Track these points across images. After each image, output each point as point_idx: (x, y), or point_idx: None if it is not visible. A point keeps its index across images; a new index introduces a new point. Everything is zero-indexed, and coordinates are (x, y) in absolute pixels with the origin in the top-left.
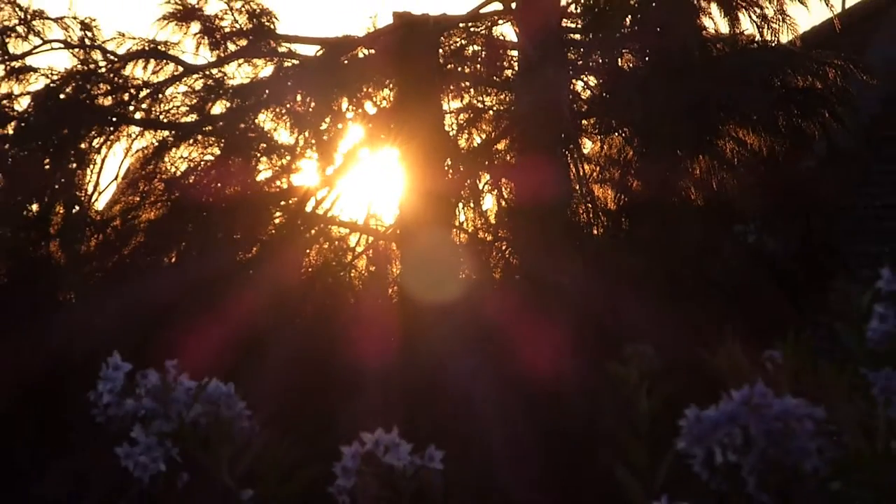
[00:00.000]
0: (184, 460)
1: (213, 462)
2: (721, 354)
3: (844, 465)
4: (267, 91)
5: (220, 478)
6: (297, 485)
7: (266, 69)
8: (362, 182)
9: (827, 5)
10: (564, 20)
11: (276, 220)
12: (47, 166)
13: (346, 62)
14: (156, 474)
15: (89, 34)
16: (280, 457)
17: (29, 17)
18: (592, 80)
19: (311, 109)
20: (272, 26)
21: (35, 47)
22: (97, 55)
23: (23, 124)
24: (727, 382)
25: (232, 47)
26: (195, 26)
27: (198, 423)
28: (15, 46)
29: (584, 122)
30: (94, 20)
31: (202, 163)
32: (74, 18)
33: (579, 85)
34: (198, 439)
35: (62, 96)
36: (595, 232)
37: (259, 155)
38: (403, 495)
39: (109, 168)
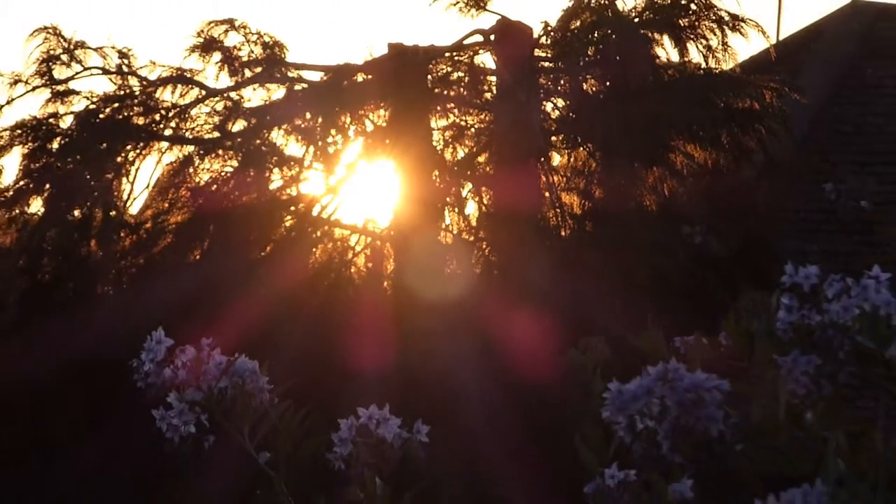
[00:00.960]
0: (211, 426)
1: (236, 428)
2: (644, 338)
3: (750, 430)
4: (279, 111)
5: (241, 442)
6: (307, 450)
7: (278, 92)
8: (361, 190)
9: (764, 36)
10: (536, 50)
11: (287, 223)
12: (88, 176)
13: (347, 86)
14: (185, 436)
15: (126, 62)
16: (294, 426)
17: (72, 46)
18: (560, 102)
19: (317, 127)
20: (283, 55)
21: (77, 73)
22: (132, 80)
23: (66, 140)
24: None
25: (248, 73)
26: (216, 56)
27: (225, 394)
28: (59, 72)
29: (552, 138)
30: (130, 50)
31: (222, 174)
32: (113, 48)
33: (549, 106)
34: (223, 408)
35: (101, 116)
36: (563, 233)
37: (272, 167)
38: (390, 462)
39: (142, 178)
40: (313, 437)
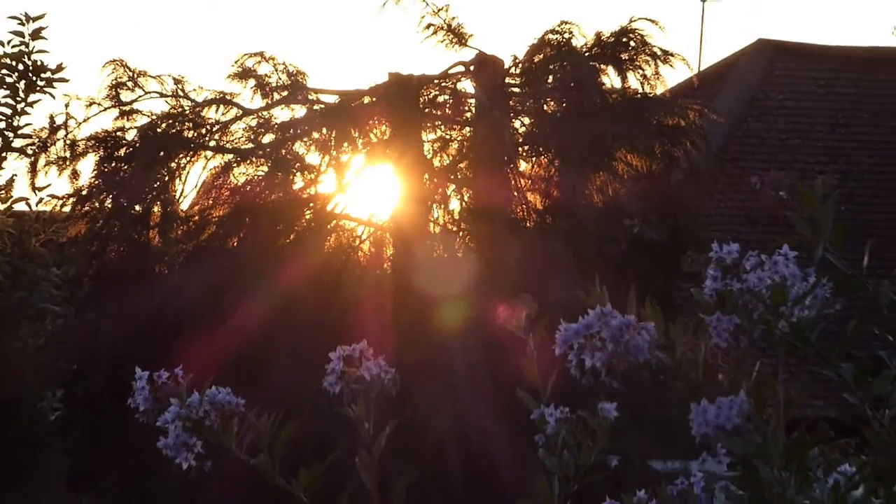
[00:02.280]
0: (207, 448)
1: (227, 442)
2: (591, 294)
3: (672, 368)
4: (300, 127)
5: (234, 452)
6: (280, 444)
7: (300, 111)
8: (366, 190)
9: (688, 67)
10: (507, 78)
11: (306, 217)
12: (148, 178)
13: (355, 107)
14: (188, 468)
15: (178, 86)
16: (265, 429)
17: (135, 75)
18: (526, 120)
19: (331, 139)
20: (304, 82)
21: (139, 96)
22: (183, 101)
23: (131, 149)
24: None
25: (276, 96)
26: (251, 82)
27: (209, 416)
28: (125, 96)
29: (520, 149)
30: (183, 77)
31: (255, 177)
32: (169, 76)
33: (517, 123)
34: (212, 429)
35: (158, 130)
36: (528, 225)
37: (295, 171)
38: (373, 389)
39: (191, 180)
40: (286, 427)
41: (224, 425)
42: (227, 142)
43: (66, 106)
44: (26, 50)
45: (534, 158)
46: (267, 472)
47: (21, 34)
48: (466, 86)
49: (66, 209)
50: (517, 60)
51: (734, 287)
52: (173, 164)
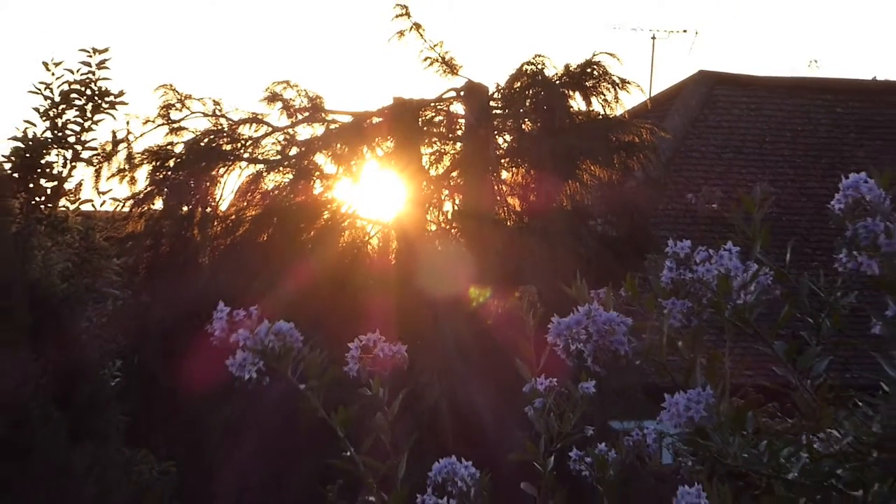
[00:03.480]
0: (267, 370)
1: (284, 367)
2: (574, 288)
3: (644, 350)
4: (320, 142)
5: (288, 378)
6: (327, 379)
7: (319, 129)
8: (374, 194)
9: (643, 93)
10: (491, 102)
11: (325, 217)
12: (192, 184)
13: (365, 125)
14: (248, 378)
15: (218, 107)
16: (316, 361)
17: (182, 98)
18: (507, 137)
19: (345, 152)
20: (322, 104)
21: (185, 116)
22: (222, 120)
23: (178, 160)
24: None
25: (299, 116)
26: (279, 104)
27: (273, 346)
28: (174, 115)
29: (502, 160)
30: (220, 100)
31: (282, 183)
32: (210, 99)
33: (500, 139)
34: (273, 356)
35: (202, 144)
36: (508, 224)
37: (315, 179)
38: (385, 369)
39: (228, 186)
40: (334, 366)
41: (283, 351)
42: (259, 154)
43: (127, 123)
44: (93, 78)
45: (513, 169)
46: (312, 400)
47: (89, 64)
48: (457, 108)
49: (125, 210)
50: (499, 87)
51: (687, 276)
52: (213, 173)
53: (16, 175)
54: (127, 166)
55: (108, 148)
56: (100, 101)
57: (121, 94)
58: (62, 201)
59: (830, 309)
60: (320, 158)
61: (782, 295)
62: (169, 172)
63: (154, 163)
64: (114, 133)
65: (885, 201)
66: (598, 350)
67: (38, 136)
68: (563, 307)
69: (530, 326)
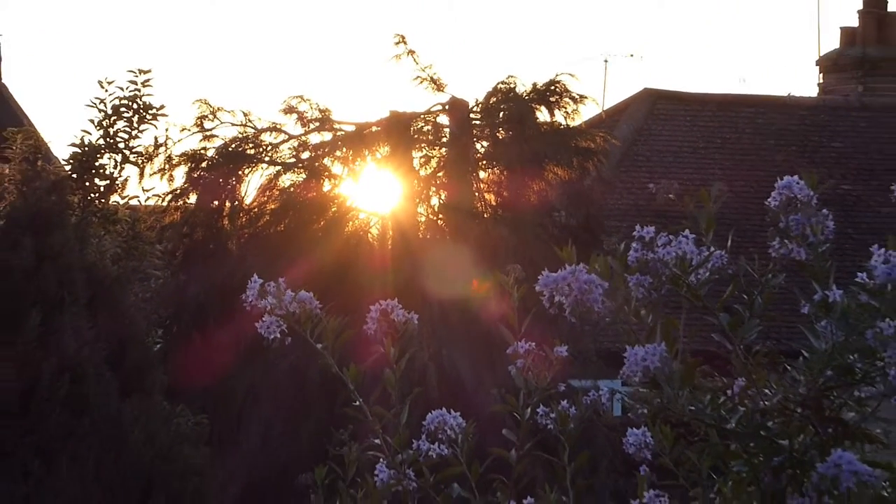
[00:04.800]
0: (289, 331)
1: (303, 330)
2: (564, 252)
3: (614, 310)
4: (328, 147)
5: (307, 339)
6: (341, 341)
7: (328, 136)
8: (374, 190)
9: (598, 106)
10: (471, 114)
11: (332, 210)
12: (222, 182)
13: (366, 134)
14: (275, 337)
15: (246, 119)
16: (334, 326)
17: (214, 109)
18: (484, 143)
19: (349, 155)
20: (330, 115)
21: (216, 125)
22: (247, 129)
23: (210, 162)
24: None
25: (311, 126)
26: (294, 116)
27: (296, 311)
28: (207, 124)
29: (480, 163)
30: (249, 112)
31: (296, 182)
32: (240, 111)
33: (478, 146)
34: (296, 319)
35: (230, 149)
36: (485, 216)
37: (324, 178)
38: (398, 331)
39: (252, 184)
40: (348, 330)
41: (303, 316)
42: (277, 157)
43: (166, 131)
44: (138, 94)
45: (490, 170)
46: (328, 357)
47: (135, 82)
48: (443, 119)
49: (165, 204)
50: (478, 102)
51: (649, 257)
52: (240, 173)
53: (74, 175)
54: (167, 167)
55: (151, 152)
56: (144, 114)
57: (161, 107)
58: (113, 197)
59: (762, 288)
60: (328, 161)
61: (733, 274)
62: (202, 172)
63: (190, 164)
64: (156, 139)
65: (813, 199)
66: (577, 304)
67: (93, 142)
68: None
69: (514, 298)
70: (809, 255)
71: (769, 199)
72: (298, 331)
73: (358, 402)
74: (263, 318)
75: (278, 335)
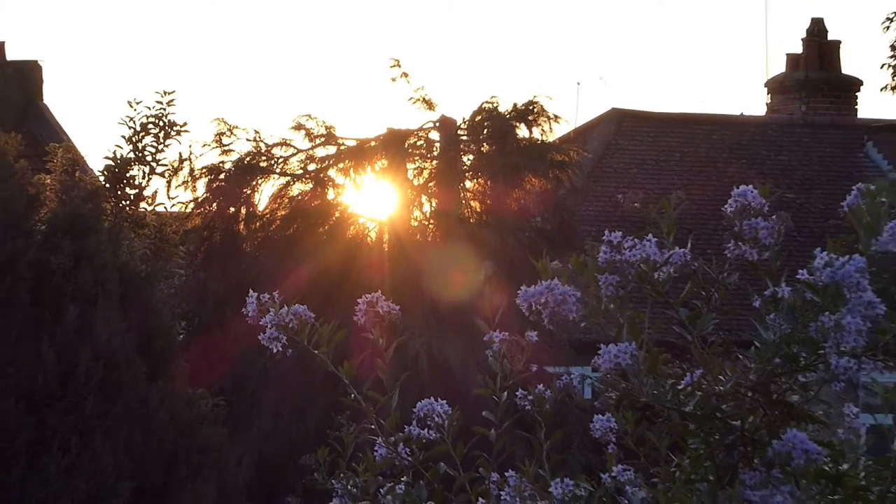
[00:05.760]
0: (289, 342)
1: (301, 338)
2: (540, 265)
3: (587, 313)
4: (332, 160)
5: (304, 345)
6: (333, 343)
7: (332, 150)
8: (372, 198)
9: (569, 124)
10: (459, 130)
11: (335, 216)
12: (238, 192)
13: (366, 148)
14: (276, 351)
15: (258, 134)
16: (326, 332)
17: (231, 127)
18: (470, 156)
19: (350, 167)
20: (334, 131)
21: (233, 141)
22: (261, 144)
23: (228, 174)
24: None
25: (317, 140)
26: (302, 132)
27: (292, 324)
28: (225, 140)
29: (466, 174)
30: (260, 131)
31: (304, 191)
32: (253, 129)
33: (465, 158)
34: (293, 331)
35: (245, 162)
36: (471, 221)
37: (328, 187)
38: (386, 327)
39: (265, 193)
40: (341, 330)
41: (300, 327)
42: (287, 169)
43: (189, 146)
44: (164, 112)
45: (475, 180)
46: (324, 360)
47: (161, 102)
48: (434, 135)
49: (188, 210)
50: (465, 120)
51: (617, 258)
52: (254, 183)
53: (108, 185)
54: (189, 178)
55: (176, 164)
56: (169, 130)
57: (184, 124)
58: (141, 204)
59: (718, 285)
60: (332, 172)
61: (692, 273)
62: (221, 183)
63: (209, 176)
64: (180, 154)
65: (764, 207)
66: (553, 314)
67: (124, 156)
68: (512, 281)
69: (489, 292)
70: (761, 256)
71: (726, 206)
72: (297, 340)
73: (353, 395)
74: (266, 331)
75: (280, 349)
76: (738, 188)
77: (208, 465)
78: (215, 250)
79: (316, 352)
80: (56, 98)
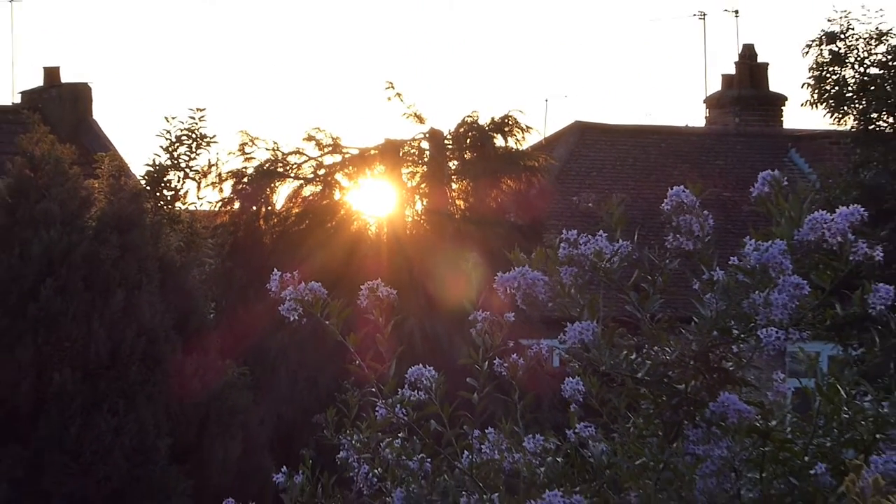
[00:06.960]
0: (304, 313)
1: (315, 311)
2: (513, 255)
3: (553, 296)
4: (338, 166)
5: (318, 318)
6: (343, 316)
7: (338, 157)
8: (373, 198)
9: (539, 134)
10: (445, 140)
11: (341, 213)
12: (258, 193)
13: (367, 156)
14: (294, 318)
15: (275, 144)
16: (336, 306)
17: (252, 139)
18: (455, 162)
19: (354, 172)
20: (340, 141)
21: (254, 150)
22: (277, 153)
23: (249, 178)
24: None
25: (326, 149)
26: (313, 142)
27: (308, 298)
28: (247, 150)
29: (452, 177)
30: (277, 141)
31: (315, 192)
32: (271, 140)
33: (451, 164)
34: (308, 304)
35: (264, 168)
36: (457, 217)
37: (335, 189)
38: (385, 308)
39: (282, 194)
40: (348, 308)
41: (315, 301)
42: (300, 173)
43: (217, 155)
44: (195, 126)
45: (459, 182)
46: (334, 330)
47: (193, 118)
48: (424, 144)
49: (216, 209)
50: (450, 131)
51: (574, 252)
52: (272, 186)
53: (148, 188)
54: (217, 181)
55: (206, 170)
56: (200, 141)
57: (213, 136)
58: (177, 204)
59: (662, 271)
60: (339, 176)
61: (639, 261)
62: (244, 185)
63: (234, 179)
64: (209, 161)
65: (696, 203)
66: (525, 295)
67: (162, 163)
68: (492, 268)
69: (474, 278)
70: (696, 245)
71: (663, 204)
72: (312, 312)
73: (358, 362)
74: (285, 303)
75: (296, 317)
76: (671, 189)
77: (235, 424)
78: (239, 243)
79: (327, 322)
80: (104, 114)
